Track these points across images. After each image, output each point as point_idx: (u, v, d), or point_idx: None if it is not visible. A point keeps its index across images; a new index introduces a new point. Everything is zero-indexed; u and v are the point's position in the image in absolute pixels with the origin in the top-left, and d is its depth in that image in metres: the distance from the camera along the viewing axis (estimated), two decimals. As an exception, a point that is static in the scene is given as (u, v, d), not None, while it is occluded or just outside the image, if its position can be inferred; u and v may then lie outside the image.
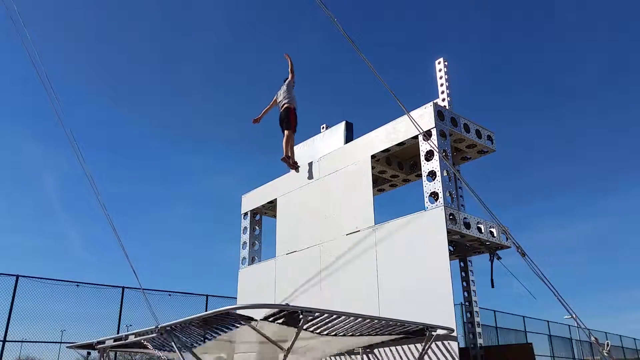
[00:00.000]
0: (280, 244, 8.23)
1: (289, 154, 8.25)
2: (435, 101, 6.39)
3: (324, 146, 8.09)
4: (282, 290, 7.82)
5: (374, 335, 5.15)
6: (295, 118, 8.45)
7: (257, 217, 9.37)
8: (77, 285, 12.23)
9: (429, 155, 6.14)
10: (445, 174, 6.00)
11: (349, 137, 7.82)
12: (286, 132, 8.36)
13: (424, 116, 6.25)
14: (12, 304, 11.18)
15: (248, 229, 9.15)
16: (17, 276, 11.39)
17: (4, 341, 10.87)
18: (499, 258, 6.44)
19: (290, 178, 8.43)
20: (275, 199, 8.66)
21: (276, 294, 7.92)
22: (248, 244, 9.05)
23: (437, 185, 5.89)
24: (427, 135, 6.09)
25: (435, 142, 5.97)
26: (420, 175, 7.01)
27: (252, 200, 9.27)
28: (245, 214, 9.33)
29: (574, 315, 4.35)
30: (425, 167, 6.15)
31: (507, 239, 6.19)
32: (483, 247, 6.43)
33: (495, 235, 6.20)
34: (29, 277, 11.56)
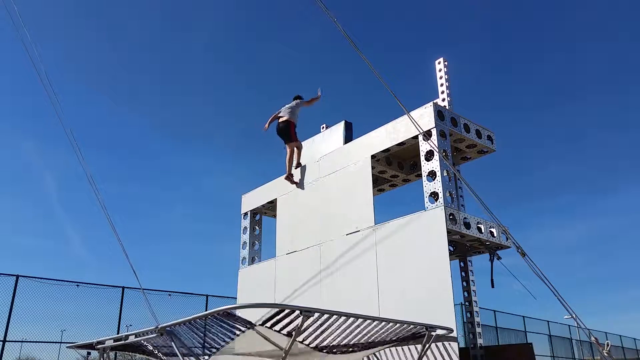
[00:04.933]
0: (280, 244, 8.23)
1: (291, 172, 8.26)
2: (435, 101, 6.38)
3: (323, 146, 8.09)
4: (282, 290, 7.81)
5: (373, 347, 5.10)
6: (295, 133, 8.46)
7: (257, 217, 9.37)
8: (77, 285, 12.21)
9: (429, 155, 6.13)
10: (445, 174, 6.00)
11: (349, 137, 7.82)
12: (288, 148, 8.37)
13: (424, 116, 6.24)
14: (12, 304, 11.17)
15: (248, 229, 9.15)
16: (17, 276, 11.38)
17: (4, 341, 10.87)
18: (499, 258, 6.43)
19: (290, 178, 8.43)
20: (275, 199, 8.66)
21: (276, 294, 7.91)
22: (248, 244, 9.04)
23: (437, 185, 5.89)
24: (427, 135, 6.08)
25: (435, 142, 5.97)
26: (420, 175, 7.01)
27: (252, 200, 9.27)
28: (245, 214, 9.33)
29: (574, 315, 4.35)
30: (425, 167, 6.14)
31: (507, 239, 6.18)
32: (483, 247, 6.42)
33: (495, 235, 6.20)
34: (29, 277, 11.55)
